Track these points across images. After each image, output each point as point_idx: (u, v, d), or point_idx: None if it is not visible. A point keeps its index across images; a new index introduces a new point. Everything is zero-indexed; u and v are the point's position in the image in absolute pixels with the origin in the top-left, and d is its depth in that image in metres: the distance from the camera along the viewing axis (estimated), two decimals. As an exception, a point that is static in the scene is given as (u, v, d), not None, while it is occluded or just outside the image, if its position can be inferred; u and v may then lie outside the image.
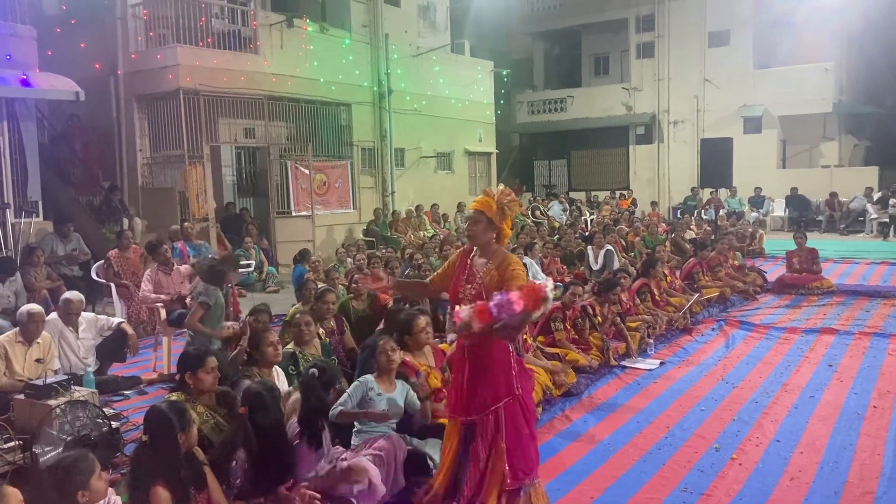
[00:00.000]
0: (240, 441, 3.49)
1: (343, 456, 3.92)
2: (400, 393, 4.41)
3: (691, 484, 4.25)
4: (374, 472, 3.71)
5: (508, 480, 3.46)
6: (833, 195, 19.45)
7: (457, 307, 3.35)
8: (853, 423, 5.17)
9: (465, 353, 3.58)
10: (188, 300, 7.33)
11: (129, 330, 6.33)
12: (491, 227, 3.58)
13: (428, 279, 4.04)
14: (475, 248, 3.70)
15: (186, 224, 10.71)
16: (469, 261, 3.66)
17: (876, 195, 18.78)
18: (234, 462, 3.47)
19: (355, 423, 4.25)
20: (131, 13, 13.06)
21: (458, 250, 3.93)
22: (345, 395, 4.25)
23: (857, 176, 20.41)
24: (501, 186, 3.71)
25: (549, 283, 3.25)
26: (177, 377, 3.93)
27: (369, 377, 4.34)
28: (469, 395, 3.56)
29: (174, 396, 3.77)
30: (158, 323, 7.37)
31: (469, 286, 3.58)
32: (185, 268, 7.81)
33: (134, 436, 4.94)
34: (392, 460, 4.02)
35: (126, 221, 11.95)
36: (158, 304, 7.28)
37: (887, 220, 17.85)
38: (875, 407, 5.50)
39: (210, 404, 3.84)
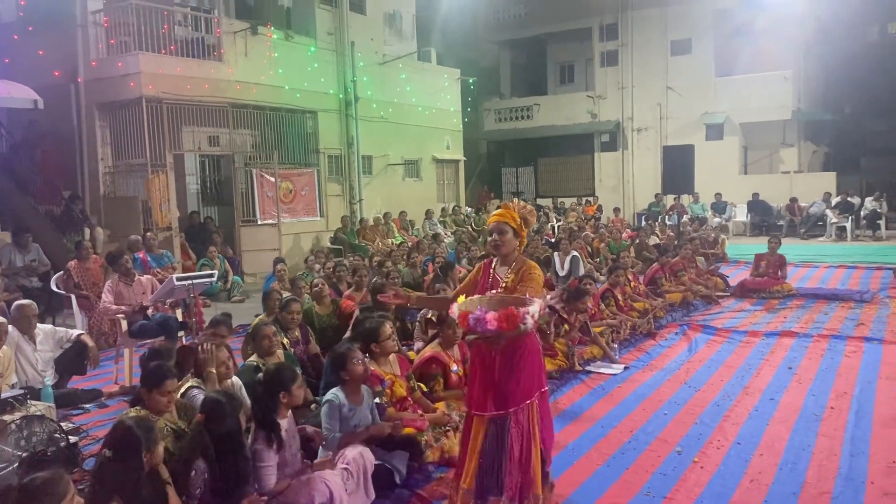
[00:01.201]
0: (196, 451, 3.44)
1: (309, 469, 3.87)
2: (367, 402, 4.40)
3: (654, 488, 4.30)
4: (336, 486, 3.67)
5: (546, 461, 3.83)
6: (793, 200, 19.87)
7: (453, 305, 3.63)
8: (811, 424, 5.27)
9: (492, 351, 3.74)
10: (150, 311, 7.24)
11: (89, 342, 6.21)
12: (516, 237, 3.88)
13: (452, 294, 4.22)
14: (496, 259, 3.97)
15: (149, 234, 10.56)
16: (492, 270, 3.95)
17: (834, 200, 19.22)
18: (194, 472, 3.42)
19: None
20: (91, 20, 12.86)
21: (478, 263, 4.20)
22: (325, 422, 4.19)
23: (816, 181, 20.89)
24: (516, 199, 4.03)
25: (534, 309, 3.46)
26: (138, 391, 3.87)
27: (338, 393, 4.28)
28: (502, 390, 3.72)
29: (133, 412, 3.70)
30: (120, 334, 7.25)
31: (493, 291, 3.82)
32: (146, 278, 7.70)
33: (94, 450, 4.85)
34: (360, 473, 3.99)
35: (87, 231, 11.75)
36: (119, 316, 7.16)
37: (846, 224, 18.29)
38: (832, 408, 5.61)
39: (171, 417, 3.78)
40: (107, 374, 7.15)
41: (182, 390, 4.24)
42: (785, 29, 21.25)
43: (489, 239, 3.96)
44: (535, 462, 3.71)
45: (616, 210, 20.68)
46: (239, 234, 13.93)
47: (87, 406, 6.20)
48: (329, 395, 4.29)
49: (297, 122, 15.70)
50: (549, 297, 3.62)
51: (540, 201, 23.60)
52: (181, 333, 7.17)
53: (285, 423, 3.87)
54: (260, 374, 3.99)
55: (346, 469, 3.89)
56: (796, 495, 4.14)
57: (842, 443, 4.88)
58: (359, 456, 4.01)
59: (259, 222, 14.24)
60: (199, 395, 4.23)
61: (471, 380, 3.97)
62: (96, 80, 12.78)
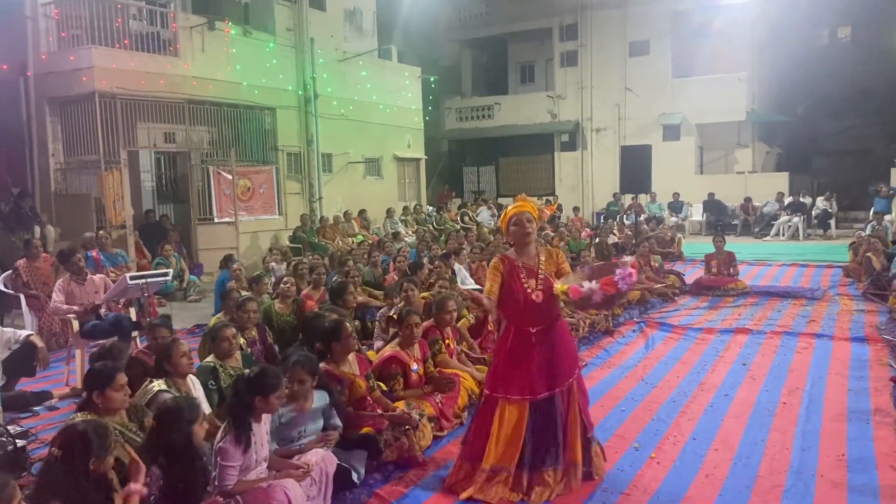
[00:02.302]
0: (148, 458, 3.35)
1: (269, 474, 3.80)
2: (318, 405, 4.35)
3: (611, 483, 4.33)
4: (296, 495, 3.61)
5: (588, 429, 4.28)
6: (747, 200, 20.28)
7: (569, 285, 3.89)
8: (764, 419, 5.38)
9: (533, 338, 4.08)
10: (102, 311, 7.08)
11: (39, 342, 6.03)
12: (535, 227, 4.20)
13: (486, 293, 4.20)
14: (512, 254, 4.21)
15: (101, 232, 10.31)
16: (518, 263, 4.15)
17: (787, 200, 19.68)
18: (149, 479, 3.33)
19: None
20: (42, 12, 12.51)
21: (494, 261, 4.27)
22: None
23: (770, 181, 21.36)
24: (524, 195, 4.30)
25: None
26: (83, 395, 3.75)
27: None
28: (547, 372, 4.11)
29: (80, 417, 3.59)
30: (71, 335, 7.07)
31: (533, 281, 4.10)
32: (99, 277, 7.52)
33: (42, 454, 4.72)
34: (323, 477, 3.93)
35: (38, 229, 11.44)
36: (71, 316, 6.98)
37: (799, 223, 18.72)
38: (784, 403, 5.74)
39: (120, 421, 3.68)
40: (58, 376, 6.99)
41: (151, 394, 4.15)
42: (740, 32, 21.70)
43: (514, 229, 4.14)
44: (575, 434, 4.14)
45: (575, 209, 20.88)
46: (195, 233, 13.70)
47: (37, 409, 6.03)
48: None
49: (255, 119, 15.50)
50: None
51: (501, 200, 23.70)
52: (135, 334, 7.03)
53: (257, 427, 3.79)
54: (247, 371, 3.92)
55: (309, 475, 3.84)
56: (750, 489, 4.22)
57: (793, 437, 4.99)
58: (321, 461, 3.96)
59: (216, 220, 14.02)
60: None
61: (500, 366, 4.20)
62: (47, 74, 12.44)
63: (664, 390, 6.19)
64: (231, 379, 4.88)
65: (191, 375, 4.62)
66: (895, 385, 5.94)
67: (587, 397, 4.44)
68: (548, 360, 4.12)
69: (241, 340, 5.66)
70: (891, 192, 17.99)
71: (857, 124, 25.59)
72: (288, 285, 7.11)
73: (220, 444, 3.62)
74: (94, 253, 9.65)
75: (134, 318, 7.22)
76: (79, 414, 3.66)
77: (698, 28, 22.23)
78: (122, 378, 3.72)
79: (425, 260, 10.68)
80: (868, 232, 15.10)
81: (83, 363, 6.69)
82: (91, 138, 12.30)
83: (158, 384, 4.34)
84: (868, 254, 11.14)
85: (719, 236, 11.81)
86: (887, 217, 17.04)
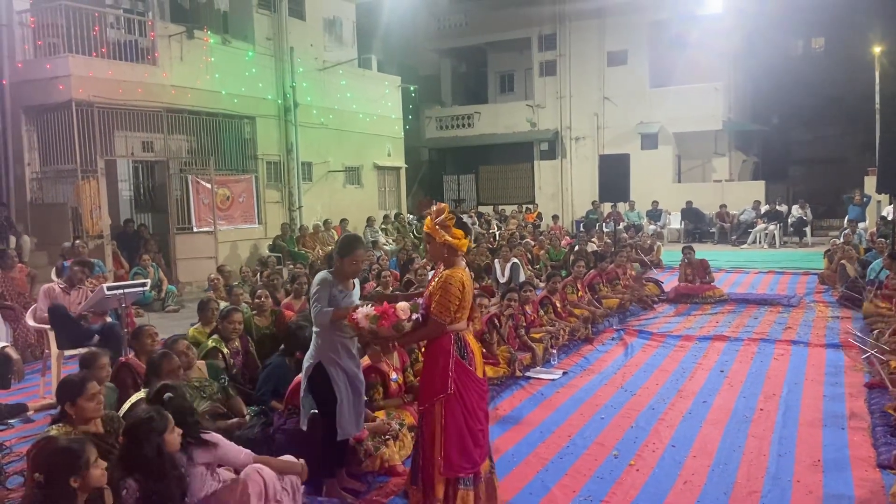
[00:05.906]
0: (118, 472, 3.30)
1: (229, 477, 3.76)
2: None
3: (592, 491, 4.36)
4: (269, 476, 3.59)
5: (441, 469, 3.77)
6: (724, 208, 20.49)
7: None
8: (741, 425, 5.44)
9: (422, 348, 4.16)
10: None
11: (14, 354, 5.92)
12: (440, 244, 3.85)
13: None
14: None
15: (78, 242, 10.21)
16: (437, 272, 4.05)
17: (763, 208, 19.91)
18: (125, 491, 3.29)
19: None
20: (17, 20, 12.39)
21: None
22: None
23: (746, 190, 21.60)
24: (435, 207, 3.99)
25: (404, 305, 3.73)
26: (58, 408, 3.70)
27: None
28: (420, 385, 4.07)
29: (55, 430, 3.53)
30: (47, 345, 6.98)
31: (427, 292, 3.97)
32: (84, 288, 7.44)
33: (17, 467, 4.66)
34: (290, 487, 3.88)
35: (13, 239, 11.29)
36: (47, 327, 6.89)
37: (775, 231, 18.94)
38: (762, 409, 5.80)
39: (96, 432, 3.63)
40: (33, 388, 6.89)
41: (132, 402, 4.11)
42: (715, 42, 21.94)
43: None
44: (434, 463, 3.80)
45: (555, 217, 20.97)
46: (174, 242, 13.59)
47: (12, 421, 5.93)
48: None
49: (234, 128, 15.42)
50: (404, 305, 3.81)
51: (481, 209, 23.77)
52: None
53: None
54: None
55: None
56: (727, 495, 4.26)
57: (770, 443, 5.04)
58: (291, 485, 3.92)
59: (195, 230, 13.92)
60: None
61: None
62: (23, 83, 12.29)
63: (643, 398, 6.24)
64: (195, 391, 4.83)
65: None
66: (870, 391, 6.02)
67: (456, 439, 3.80)
68: (423, 372, 3.98)
69: (225, 350, 5.64)
70: (864, 199, 18.26)
71: (831, 133, 26.01)
72: (262, 298, 7.07)
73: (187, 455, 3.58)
74: (70, 262, 9.53)
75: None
76: (53, 427, 3.60)
77: (675, 38, 22.47)
78: (94, 387, 3.67)
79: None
80: (843, 239, 15.31)
81: (59, 375, 6.61)
82: (68, 147, 12.18)
83: (143, 393, 4.29)
84: (843, 261, 11.29)
85: (688, 247, 11.93)
86: (861, 225, 17.29)
